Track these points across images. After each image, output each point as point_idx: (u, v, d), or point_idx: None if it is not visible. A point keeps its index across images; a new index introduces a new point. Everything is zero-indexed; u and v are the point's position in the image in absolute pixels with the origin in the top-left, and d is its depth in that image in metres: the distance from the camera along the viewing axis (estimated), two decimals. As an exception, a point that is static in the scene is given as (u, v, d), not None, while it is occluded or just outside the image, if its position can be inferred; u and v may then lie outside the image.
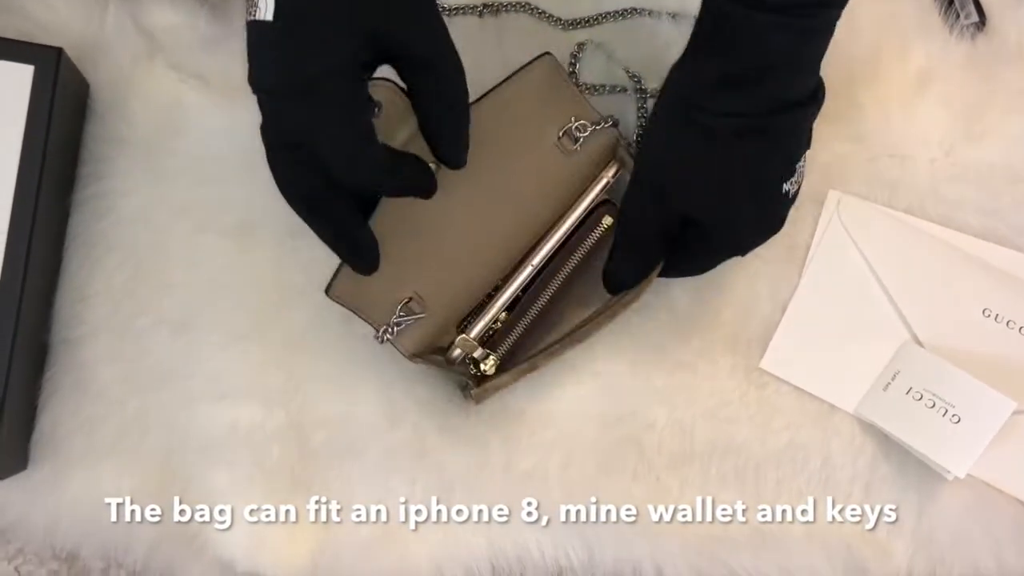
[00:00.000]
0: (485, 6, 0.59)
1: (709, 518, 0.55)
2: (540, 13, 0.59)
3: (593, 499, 0.54)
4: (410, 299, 0.51)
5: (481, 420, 0.55)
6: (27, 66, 0.51)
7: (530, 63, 0.52)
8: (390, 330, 0.51)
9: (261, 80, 0.42)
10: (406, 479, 0.54)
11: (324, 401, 0.55)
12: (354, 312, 0.51)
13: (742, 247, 0.50)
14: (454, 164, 0.47)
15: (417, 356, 0.52)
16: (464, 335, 0.52)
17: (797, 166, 0.48)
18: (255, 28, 0.41)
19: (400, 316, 0.51)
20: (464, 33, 0.55)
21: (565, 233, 0.53)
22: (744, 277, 0.57)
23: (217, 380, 0.55)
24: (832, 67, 0.57)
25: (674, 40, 0.58)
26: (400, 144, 0.49)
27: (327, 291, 0.49)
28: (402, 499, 0.54)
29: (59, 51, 0.51)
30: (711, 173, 0.47)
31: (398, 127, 0.49)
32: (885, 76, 0.58)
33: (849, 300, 0.56)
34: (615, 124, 0.54)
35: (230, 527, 0.53)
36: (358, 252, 0.47)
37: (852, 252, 0.57)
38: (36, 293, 0.53)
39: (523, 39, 0.58)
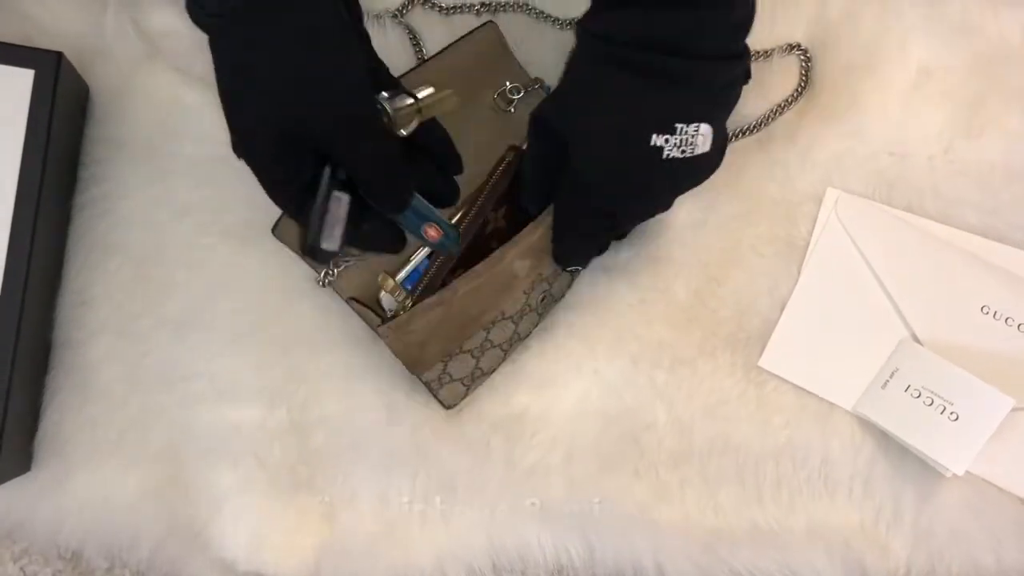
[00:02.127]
0: (483, 5, 0.59)
1: (710, 515, 0.55)
2: (538, 13, 0.59)
3: (596, 499, 0.54)
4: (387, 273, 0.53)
5: (483, 419, 0.55)
6: (27, 71, 0.51)
7: (473, 31, 0.55)
8: (331, 272, 0.53)
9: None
10: (408, 477, 0.55)
11: (325, 400, 0.55)
12: (295, 252, 0.53)
13: (612, 199, 0.48)
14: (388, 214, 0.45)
15: (354, 300, 0.53)
16: (386, 273, 0.53)
17: (678, 126, 0.45)
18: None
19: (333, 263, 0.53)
20: (463, 32, 0.56)
21: (487, 182, 0.54)
22: (743, 274, 0.57)
23: (219, 380, 0.55)
24: (832, 64, 0.58)
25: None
26: None
27: (273, 230, 0.52)
28: (405, 498, 0.55)
29: (59, 55, 0.52)
30: (583, 94, 0.46)
31: None
32: (885, 73, 0.58)
33: (848, 298, 0.56)
34: (543, 87, 0.56)
35: (233, 526, 0.54)
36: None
37: (851, 250, 0.57)
38: (38, 295, 0.53)
39: (521, 38, 0.58)
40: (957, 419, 0.53)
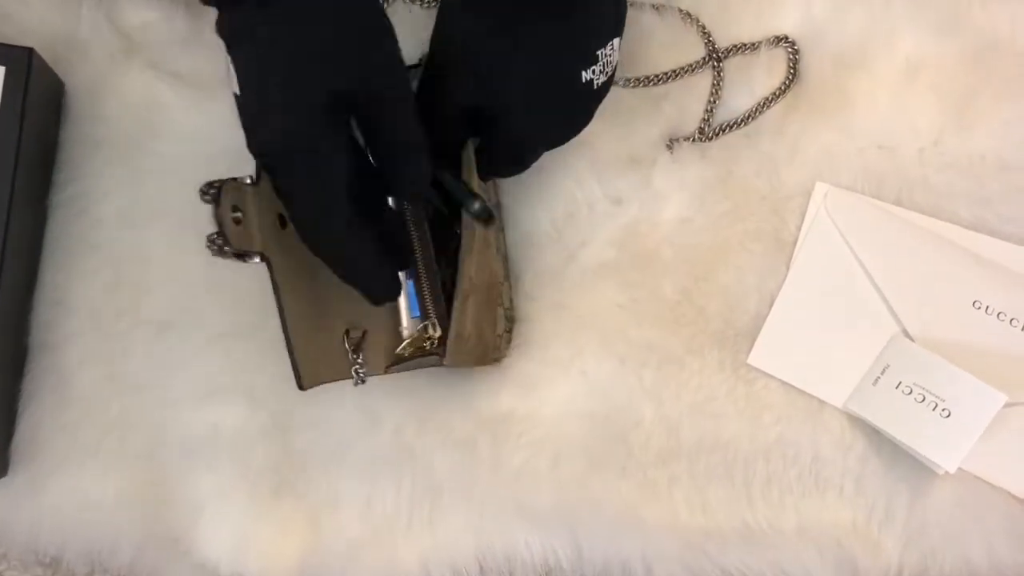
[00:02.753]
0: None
1: (699, 514, 0.54)
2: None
3: (582, 498, 0.54)
4: (347, 331, 0.51)
5: (469, 420, 0.54)
6: (-2, 67, 0.50)
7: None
8: (360, 370, 0.50)
9: (249, 145, 0.43)
10: (392, 479, 0.54)
11: (307, 402, 0.54)
12: (329, 382, 0.50)
13: (547, 138, 0.49)
14: (411, 202, 0.48)
15: (390, 367, 0.51)
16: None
17: (599, 53, 0.45)
18: (235, 100, 0.43)
19: (352, 355, 0.50)
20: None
21: None
22: (731, 270, 0.56)
23: (199, 382, 0.54)
24: (820, 56, 0.57)
25: (657, 30, 0.57)
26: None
27: (301, 387, 0.48)
28: (389, 501, 0.54)
29: (30, 51, 0.51)
30: (489, 53, 0.45)
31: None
32: (873, 66, 0.57)
33: (837, 294, 0.56)
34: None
35: (215, 530, 0.53)
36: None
37: (840, 245, 0.56)
38: (13, 297, 0.52)
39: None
40: (949, 416, 0.52)
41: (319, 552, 0.54)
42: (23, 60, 0.50)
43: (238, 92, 0.42)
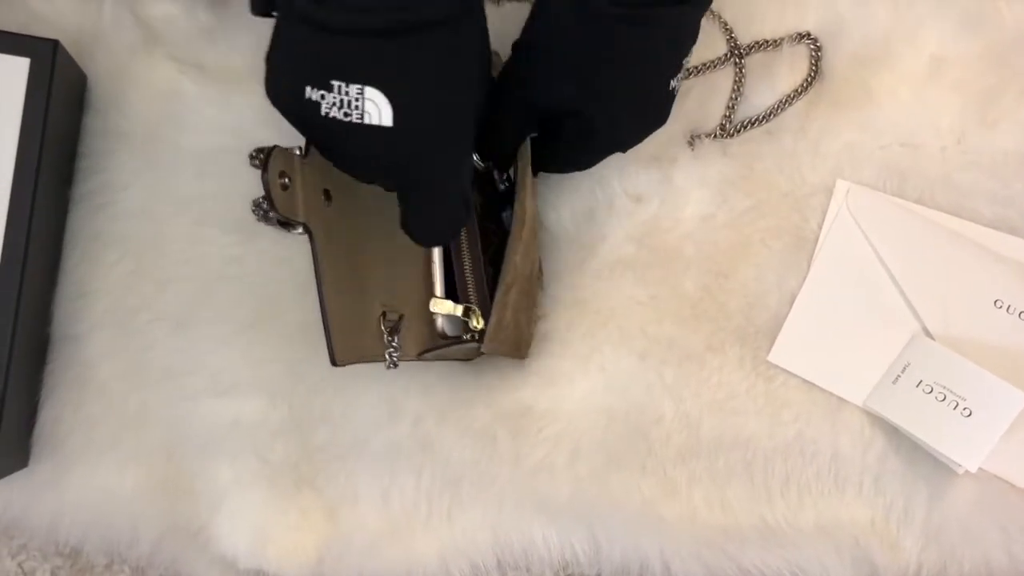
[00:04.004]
0: None
1: (717, 511, 0.54)
2: None
3: (601, 494, 0.54)
4: (383, 314, 0.50)
5: (488, 414, 0.54)
6: (23, 59, 0.50)
7: None
8: (394, 353, 0.49)
9: (363, 172, 0.44)
10: (411, 473, 0.54)
11: (327, 396, 0.54)
12: (363, 362, 0.49)
13: (626, 143, 0.50)
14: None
15: (424, 352, 0.51)
16: (434, 299, 0.50)
17: (684, 61, 0.47)
18: (364, 130, 0.41)
19: (387, 336, 0.49)
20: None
21: None
22: (752, 267, 0.56)
23: (220, 375, 0.54)
24: (843, 53, 0.57)
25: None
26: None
27: (334, 363, 0.47)
28: (408, 494, 0.54)
29: (55, 43, 0.51)
30: (596, 61, 0.45)
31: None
32: (896, 63, 0.57)
33: (858, 292, 0.55)
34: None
35: (234, 522, 0.53)
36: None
37: (861, 243, 0.56)
38: (35, 289, 0.52)
39: None
40: (970, 415, 0.52)
41: (338, 545, 0.54)
42: (48, 52, 0.50)
43: (388, 124, 0.40)
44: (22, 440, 0.53)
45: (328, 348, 0.46)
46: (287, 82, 0.41)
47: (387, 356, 0.49)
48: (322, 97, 0.40)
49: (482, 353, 0.50)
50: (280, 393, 0.54)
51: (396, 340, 0.49)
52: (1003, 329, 0.54)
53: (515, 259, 0.49)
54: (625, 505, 0.54)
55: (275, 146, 0.44)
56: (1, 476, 0.50)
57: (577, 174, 0.55)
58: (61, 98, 0.52)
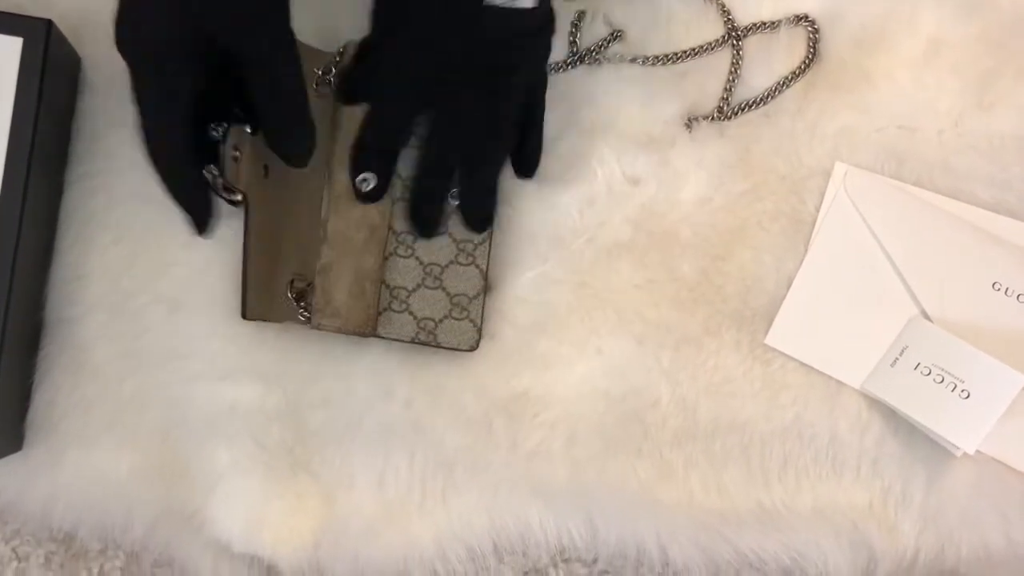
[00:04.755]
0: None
1: (714, 495, 0.54)
2: None
3: (597, 478, 0.54)
4: (291, 280, 0.52)
5: (484, 398, 0.54)
6: (16, 39, 0.50)
7: None
8: (303, 314, 0.52)
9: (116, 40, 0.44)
10: (406, 457, 0.54)
11: (323, 380, 0.54)
12: (269, 320, 0.52)
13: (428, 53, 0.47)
14: (293, 163, 0.48)
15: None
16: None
17: None
18: None
19: (295, 301, 0.52)
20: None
21: None
22: (749, 250, 0.56)
23: (216, 360, 0.54)
24: (841, 35, 0.57)
25: (676, 8, 0.57)
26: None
27: (244, 316, 0.50)
28: (403, 479, 0.54)
29: (48, 23, 0.50)
30: None
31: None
32: (894, 45, 0.57)
33: (856, 274, 0.55)
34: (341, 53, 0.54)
35: (229, 507, 0.53)
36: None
37: (859, 225, 0.56)
38: (29, 271, 0.52)
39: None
40: (968, 397, 0.52)
41: (333, 530, 0.54)
42: (41, 31, 0.50)
43: None
44: (16, 424, 0.53)
45: (241, 304, 0.50)
46: None
47: (300, 317, 0.52)
48: None
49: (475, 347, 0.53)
50: (275, 378, 0.54)
51: (303, 304, 0.52)
52: (1001, 312, 0.54)
53: (333, 227, 0.52)
54: (621, 489, 0.54)
55: (231, 123, 0.49)
56: (-5, 459, 0.50)
57: (578, 157, 0.55)
58: (55, 79, 0.51)
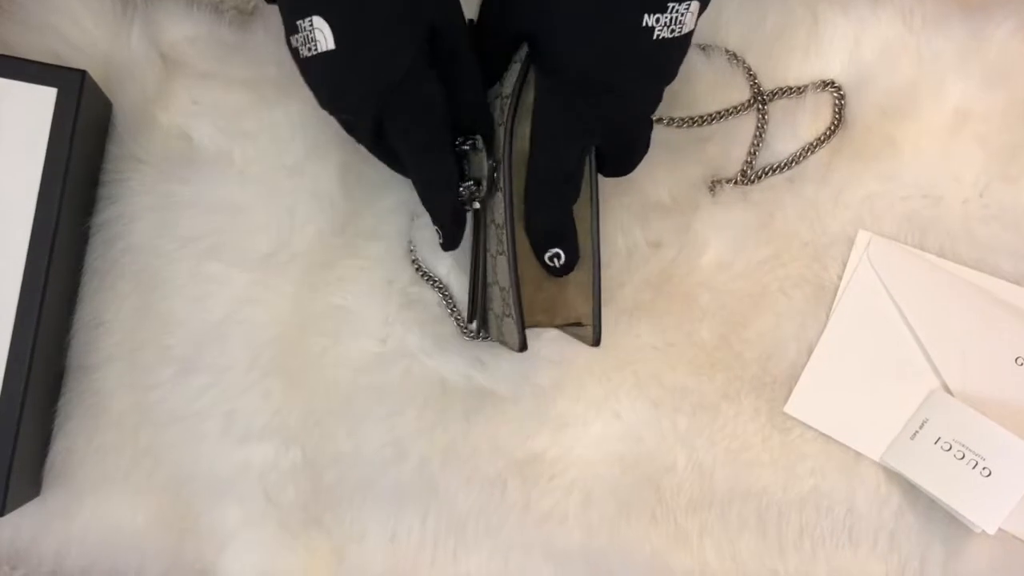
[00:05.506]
0: None
1: (728, 563, 0.53)
2: None
3: (611, 542, 0.53)
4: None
5: (499, 458, 0.54)
6: (50, 89, 0.50)
7: None
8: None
9: (334, 102, 0.45)
10: (418, 516, 0.54)
11: (338, 438, 0.54)
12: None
13: (600, 84, 0.45)
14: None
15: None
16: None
17: (670, 4, 0.43)
18: (319, 60, 0.43)
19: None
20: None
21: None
22: (770, 317, 0.55)
23: (232, 416, 0.54)
24: (867, 102, 0.57)
25: (703, 70, 0.57)
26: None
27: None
28: (415, 538, 0.53)
29: (83, 74, 0.51)
30: None
31: None
32: (920, 113, 0.57)
33: (877, 344, 0.55)
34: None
35: (242, 561, 0.53)
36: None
37: (882, 295, 0.55)
38: (54, 319, 0.52)
39: None
40: (989, 475, 0.51)
41: (344, 585, 0.53)
42: (75, 82, 0.50)
43: (331, 48, 0.43)
44: (35, 470, 0.53)
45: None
46: (285, 38, 0.45)
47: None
48: (294, 39, 0.44)
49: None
50: (293, 437, 0.54)
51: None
52: (1024, 387, 0.53)
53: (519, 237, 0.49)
54: (635, 555, 0.53)
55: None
56: (14, 507, 0.50)
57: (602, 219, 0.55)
58: (86, 127, 0.52)
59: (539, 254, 0.49)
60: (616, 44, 0.44)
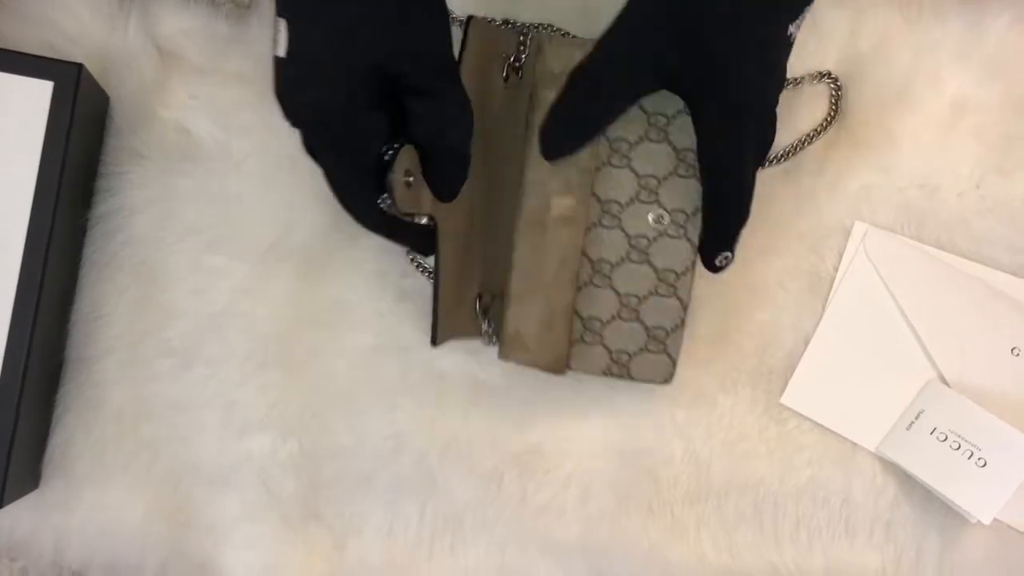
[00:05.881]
0: (505, 22, 0.58)
1: (725, 555, 0.53)
2: (564, 34, 0.58)
3: (608, 535, 0.53)
4: (479, 296, 0.52)
5: (496, 451, 0.54)
6: (46, 82, 0.50)
7: (464, 39, 0.52)
8: (489, 330, 0.52)
9: (281, 105, 0.43)
10: (416, 509, 0.54)
11: (337, 430, 0.54)
12: (456, 339, 0.52)
13: (759, 102, 0.45)
14: (444, 199, 0.47)
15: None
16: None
17: (806, 9, 0.43)
18: (276, 62, 0.42)
19: (481, 318, 0.52)
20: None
21: None
22: (766, 308, 0.55)
23: (231, 409, 0.54)
24: (863, 94, 0.57)
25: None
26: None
27: (434, 344, 0.49)
28: (412, 531, 0.54)
29: (79, 67, 0.51)
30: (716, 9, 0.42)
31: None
32: (917, 106, 0.57)
33: (874, 335, 0.55)
34: (554, 30, 0.54)
35: (240, 554, 0.53)
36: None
37: (878, 286, 0.55)
38: (52, 311, 0.52)
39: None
40: (985, 465, 0.51)
41: (343, 578, 0.54)
42: (72, 75, 0.50)
43: (283, 55, 0.41)
44: (34, 462, 0.53)
45: (432, 331, 0.49)
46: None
47: (485, 336, 0.52)
48: (275, 41, 0.42)
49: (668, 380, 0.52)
50: (291, 430, 0.54)
51: (490, 322, 0.52)
52: (1020, 378, 0.54)
53: (521, 254, 0.50)
54: (632, 547, 0.53)
55: (403, 145, 0.45)
56: (13, 498, 0.50)
57: None
58: (83, 120, 0.52)
59: (711, 258, 0.50)
60: (768, 56, 0.44)
